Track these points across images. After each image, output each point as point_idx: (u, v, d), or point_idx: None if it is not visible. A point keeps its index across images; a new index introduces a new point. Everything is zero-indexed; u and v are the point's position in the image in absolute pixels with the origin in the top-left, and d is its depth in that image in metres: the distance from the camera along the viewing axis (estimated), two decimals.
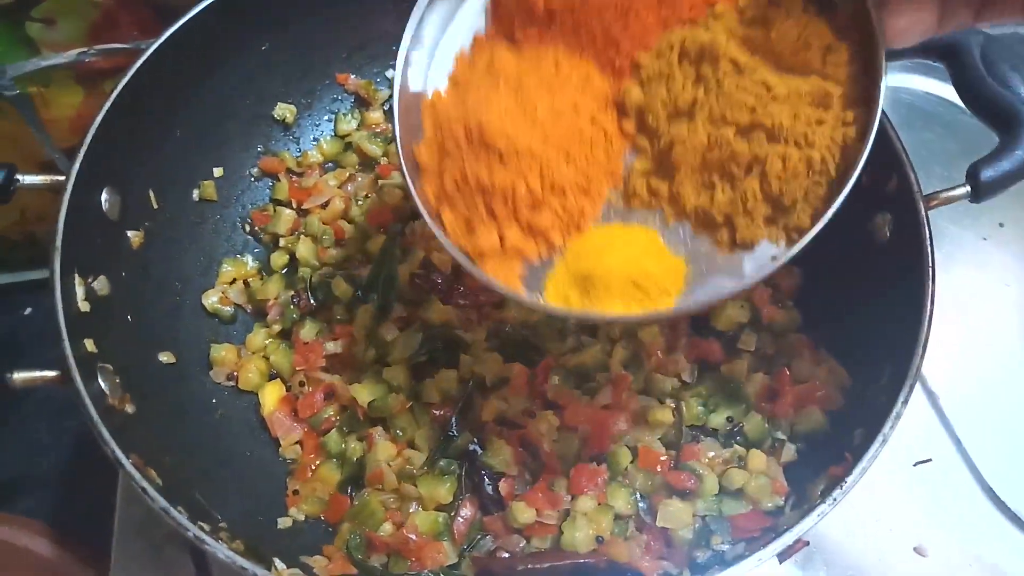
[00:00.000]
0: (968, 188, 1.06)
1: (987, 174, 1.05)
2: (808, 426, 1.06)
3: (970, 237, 1.48)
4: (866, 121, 0.81)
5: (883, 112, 1.09)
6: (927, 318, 0.96)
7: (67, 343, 0.92)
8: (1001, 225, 1.49)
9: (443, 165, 0.88)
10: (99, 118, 1.07)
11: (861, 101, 0.83)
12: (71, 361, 0.91)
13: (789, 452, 1.05)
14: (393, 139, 0.95)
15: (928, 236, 1.01)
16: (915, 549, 1.17)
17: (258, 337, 1.18)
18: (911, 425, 0.95)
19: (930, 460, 1.24)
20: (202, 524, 0.86)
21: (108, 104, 1.08)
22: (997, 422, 1.28)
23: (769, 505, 0.99)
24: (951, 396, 1.29)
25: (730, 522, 0.99)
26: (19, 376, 0.91)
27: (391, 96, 1.36)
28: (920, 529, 1.19)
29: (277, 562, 0.91)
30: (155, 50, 1.14)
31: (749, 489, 1.01)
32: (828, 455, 0.96)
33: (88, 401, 0.89)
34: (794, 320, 1.16)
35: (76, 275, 1.00)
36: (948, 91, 1.60)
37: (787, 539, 0.83)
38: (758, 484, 1.00)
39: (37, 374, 0.92)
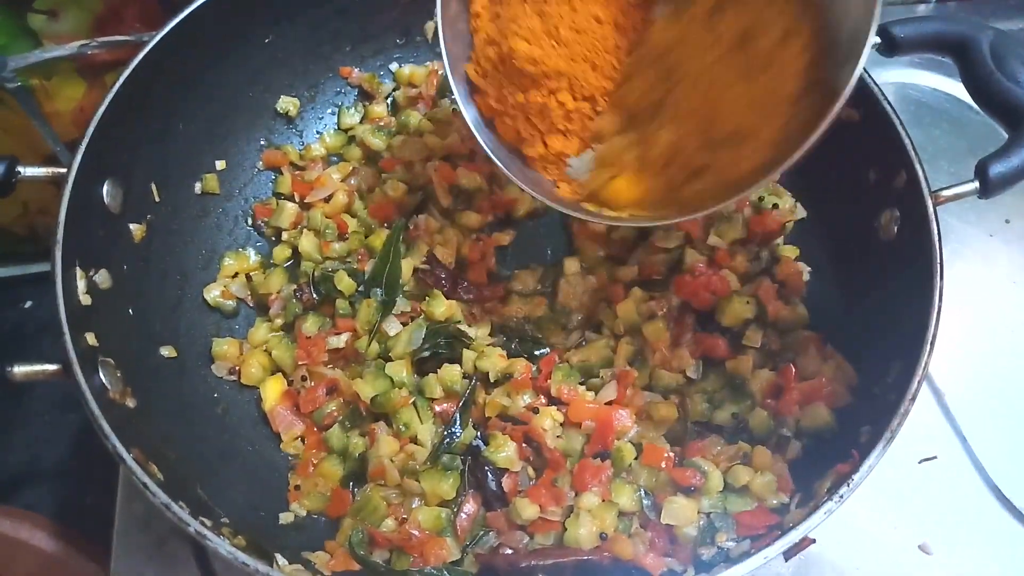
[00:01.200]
0: (976, 184, 1.06)
1: (996, 170, 1.05)
2: (814, 423, 1.05)
3: (976, 233, 1.47)
4: None
5: (892, 108, 1.10)
6: (935, 315, 0.95)
7: (68, 336, 0.91)
8: (1007, 222, 1.48)
9: (487, 83, 0.99)
10: (101, 110, 1.06)
11: None
12: (72, 355, 0.90)
13: (795, 449, 1.04)
14: (439, 51, 1.01)
15: (937, 233, 1.01)
16: (920, 547, 1.17)
17: (260, 331, 1.17)
18: (916, 422, 0.94)
19: (935, 457, 1.23)
20: (203, 519, 0.85)
21: (110, 96, 1.07)
22: (1003, 419, 1.27)
23: (775, 502, 0.99)
24: (957, 393, 1.28)
25: (735, 519, 0.98)
26: (20, 370, 0.91)
27: (394, 90, 1.38)
28: (925, 527, 1.18)
29: (279, 558, 0.91)
30: (158, 42, 1.13)
31: (754, 486, 1.00)
32: (834, 452, 0.95)
33: (89, 395, 0.89)
34: (801, 317, 1.16)
35: (77, 268, 0.99)
36: (956, 87, 1.59)
37: (793, 536, 0.82)
38: (763, 481, 1.00)
39: (38, 368, 0.91)
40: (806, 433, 1.05)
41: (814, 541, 0.84)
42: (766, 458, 1.02)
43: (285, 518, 1.04)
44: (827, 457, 0.96)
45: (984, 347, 1.34)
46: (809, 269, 1.21)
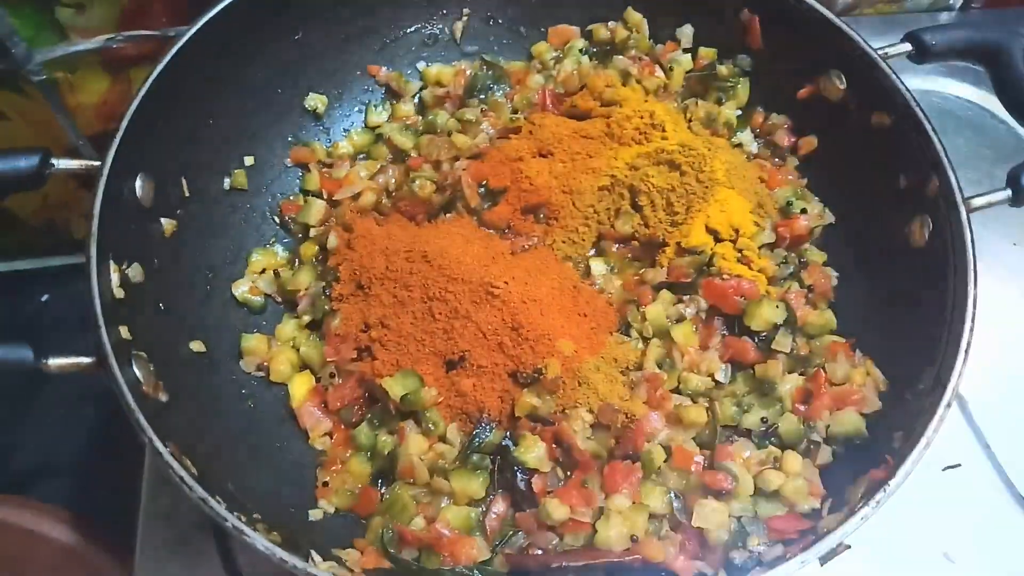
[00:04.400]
0: (1009, 192, 1.06)
1: None
2: (844, 429, 1.05)
3: (1000, 242, 1.46)
4: None
5: (924, 114, 1.10)
6: (969, 323, 0.96)
7: (103, 329, 0.91)
8: None
9: None
10: (135, 104, 1.06)
11: None
12: (108, 348, 0.90)
13: (825, 455, 1.04)
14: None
15: (971, 240, 1.01)
16: (944, 555, 1.17)
17: (288, 328, 1.17)
18: (940, 430, 0.95)
19: (959, 465, 1.23)
20: (239, 514, 0.85)
21: (143, 91, 1.08)
22: None
23: (806, 508, 0.99)
24: (980, 401, 1.28)
25: (766, 524, 0.98)
26: (54, 362, 0.91)
27: (421, 89, 1.38)
28: (949, 534, 1.18)
29: (314, 554, 0.91)
30: (190, 38, 1.13)
31: (785, 491, 1.00)
32: (865, 458, 0.96)
33: (125, 388, 0.88)
34: (828, 322, 1.15)
35: (111, 261, 0.99)
36: (979, 95, 1.59)
37: (831, 541, 0.82)
38: (794, 486, 1.00)
39: (72, 360, 0.91)
40: (836, 439, 1.05)
41: (849, 547, 0.84)
42: (796, 463, 1.02)
43: (314, 515, 1.03)
44: (858, 463, 0.97)
45: (1008, 355, 1.34)
46: (836, 274, 1.21)
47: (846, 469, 0.99)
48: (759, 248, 1.20)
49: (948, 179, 1.06)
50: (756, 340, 1.13)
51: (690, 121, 1.29)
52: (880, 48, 1.16)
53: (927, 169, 1.08)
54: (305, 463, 1.09)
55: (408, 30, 1.39)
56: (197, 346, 1.11)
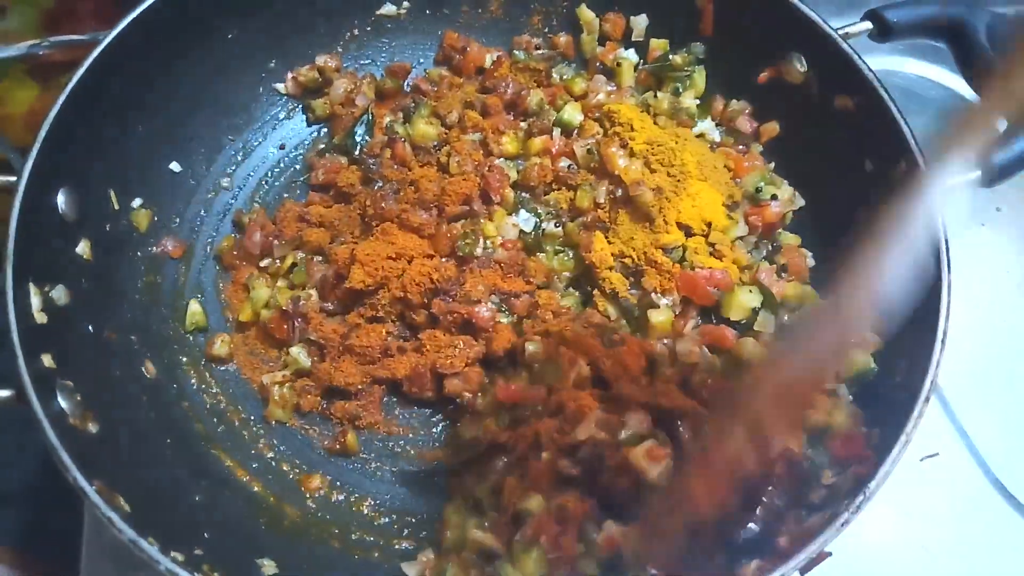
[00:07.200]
0: (979, 174, 1.03)
1: (998, 159, 1.02)
2: (855, 369, 1.01)
3: (969, 222, 1.44)
4: None
5: (889, 96, 1.06)
6: (944, 314, 0.93)
7: (22, 360, 0.85)
8: (999, 210, 1.45)
9: None
10: (53, 113, 1.00)
11: None
12: (26, 380, 0.83)
13: (843, 395, 1.01)
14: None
15: (942, 228, 0.97)
16: (922, 544, 1.14)
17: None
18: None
19: (937, 455, 1.20)
20: (176, 554, 0.79)
21: (63, 98, 1.01)
22: (1003, 412, 1.25)
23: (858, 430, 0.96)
24: (955, 387, 1.25)
25: (830, 453, 0.95)
26: None
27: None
28: (928, 524, 1.15)
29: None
30: (113, 40, 1.06)
31: (832, 421, 0.97)
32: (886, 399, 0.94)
33: (47, 423, 0.82)
34: (808, 294, 1.13)
35: (31, 284, 0.92)
36: (943, 74, 1.56)
37: (811, 550, 0.78)
38: (837, 415, 0.97)
39: None
40: (850, 382, 1.02)
41: (830, 555, 0.80)
42: (824, 400, 0.99)
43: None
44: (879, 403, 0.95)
45: (980, 338, 1.31)
46: (811, 254, 1.18)
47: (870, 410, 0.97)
48: (733, 241, 1.16)
49: (916, 163, 1.02)
50: (736, 326, 1.11)
51: (655, 117, 1.24)
52: (840, 28, 1.12)
53: (894, 153, 1.04)
54: (254, 499, 1.02)
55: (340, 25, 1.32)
56: (136, 369, 1.04)
